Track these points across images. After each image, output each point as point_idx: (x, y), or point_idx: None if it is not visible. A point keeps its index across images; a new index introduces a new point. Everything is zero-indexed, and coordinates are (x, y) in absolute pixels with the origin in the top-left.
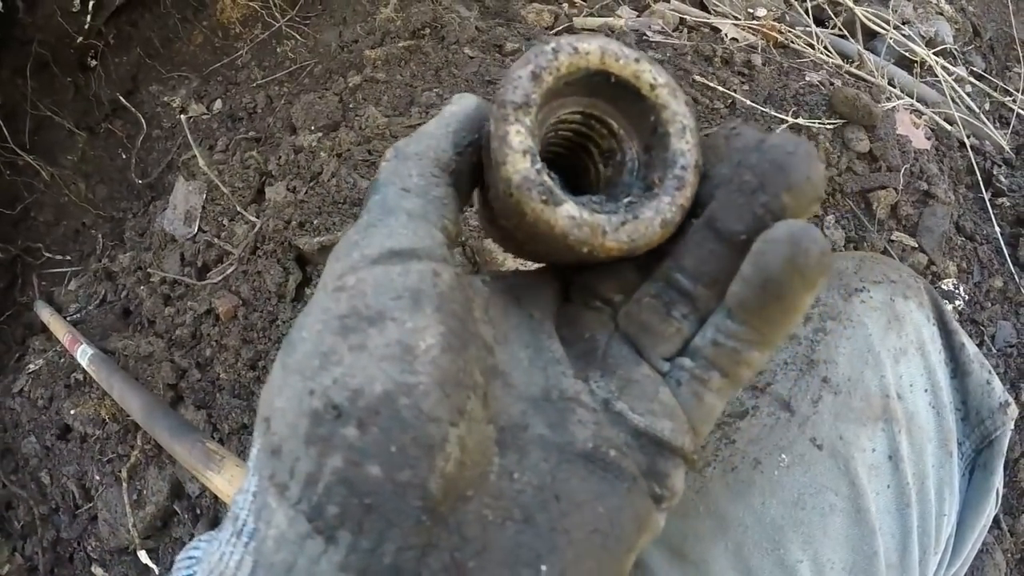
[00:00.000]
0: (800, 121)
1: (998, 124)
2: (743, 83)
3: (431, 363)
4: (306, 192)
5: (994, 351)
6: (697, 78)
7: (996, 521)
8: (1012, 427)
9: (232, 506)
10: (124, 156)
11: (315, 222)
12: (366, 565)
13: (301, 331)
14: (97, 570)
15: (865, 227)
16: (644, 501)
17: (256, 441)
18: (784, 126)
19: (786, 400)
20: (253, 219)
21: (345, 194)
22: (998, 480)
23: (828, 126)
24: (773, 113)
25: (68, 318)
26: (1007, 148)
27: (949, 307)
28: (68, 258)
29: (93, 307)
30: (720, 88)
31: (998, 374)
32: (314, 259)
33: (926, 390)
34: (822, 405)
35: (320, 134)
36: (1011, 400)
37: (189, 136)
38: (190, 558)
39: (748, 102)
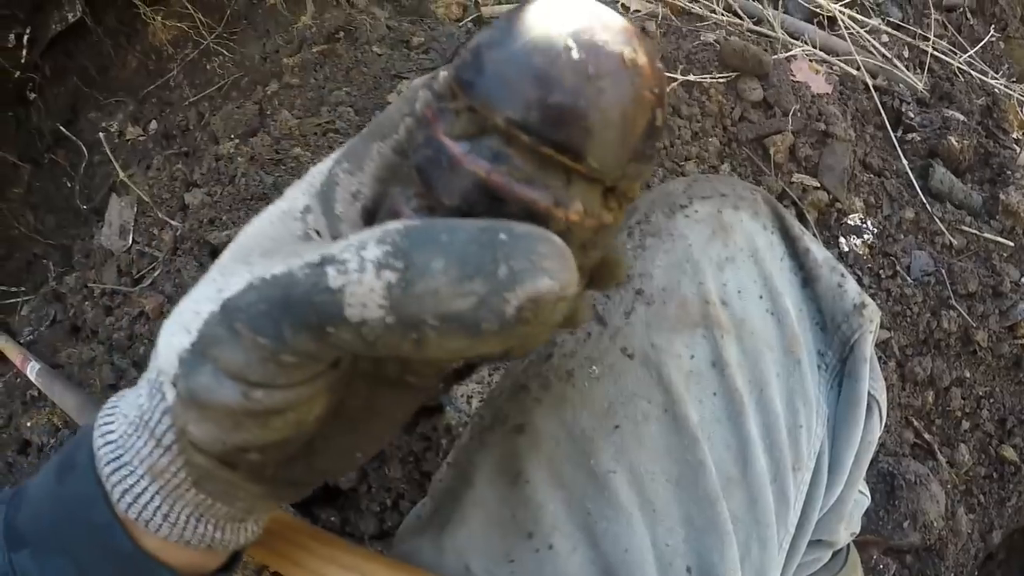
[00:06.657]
0: (691, 78)
1: (918, 70)
2: None
3: None
4: (221, 194)
5: (910, 281)
6: None
7: (931, 452)
8: (874, 330)
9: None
10: (69, 184)
11: (224, 218)
12: None
13: None
14: None
15: (763, 172)
16: None
17: None
18: (675, 83)
19: (599, 314)
20: (177, 224)
21: (253, 191)
22: (866, 387)
23: (720, 80)
24: (665, 73)
25: (22, 341)
26: (921, 89)
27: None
28: (23, 288)
29: (44, 328)
30: None
31: (916, 304)
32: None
33: (761, 296)
34: (634, 316)
35: (238, 141)
36: (868, 301)
37: (109, 153)
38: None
39: None
